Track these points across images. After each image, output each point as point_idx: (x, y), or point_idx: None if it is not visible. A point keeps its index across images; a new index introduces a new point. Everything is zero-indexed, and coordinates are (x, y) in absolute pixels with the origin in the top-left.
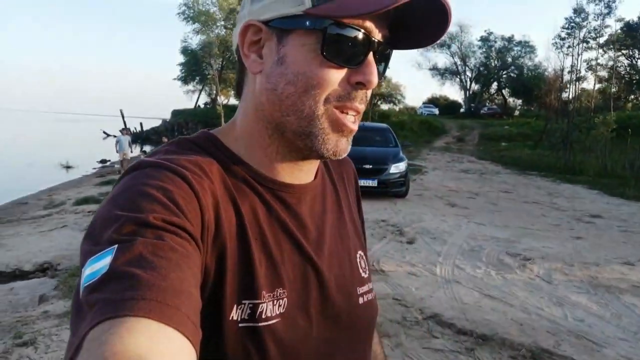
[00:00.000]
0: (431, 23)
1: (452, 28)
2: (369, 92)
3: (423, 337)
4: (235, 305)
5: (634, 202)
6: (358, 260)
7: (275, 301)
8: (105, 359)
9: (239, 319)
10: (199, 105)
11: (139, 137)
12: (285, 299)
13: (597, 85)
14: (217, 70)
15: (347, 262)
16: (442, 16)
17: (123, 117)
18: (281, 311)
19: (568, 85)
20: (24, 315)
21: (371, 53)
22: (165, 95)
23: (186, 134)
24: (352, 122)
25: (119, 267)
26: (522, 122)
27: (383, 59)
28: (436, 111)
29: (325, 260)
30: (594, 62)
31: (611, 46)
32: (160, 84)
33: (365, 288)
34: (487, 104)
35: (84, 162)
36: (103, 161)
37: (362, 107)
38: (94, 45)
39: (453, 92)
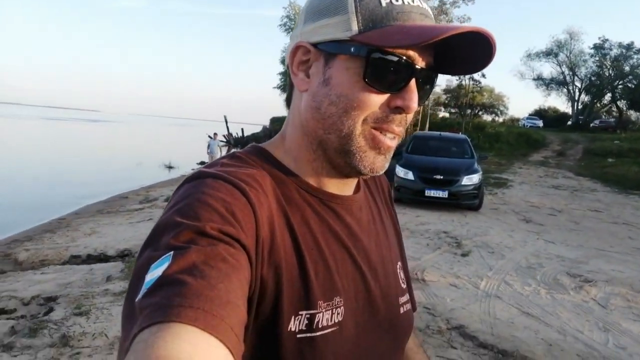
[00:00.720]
0: (476, 52)
1: (561, 35)
2: (409, 116)
3: (441, 346)
4: (293, 317)
5: None
6: (398, 271)
7: (334, 309)
8: None
9: (297, 330)
10: None
11: (239, 142)
12: (343, 307)
13: None
14: None
15: (391, 272)
16: (487, 46)
17: (226, 122)
18: (339, 319)
19: None
20: (89, 290)
21: (413, 79)
22: (266, 102)
23: None
24: (390, 139)
25: (172, 274)
26: (637, 137)
27: (428, 82)
28: (540, 123)
29: (372, 269)
30: None
31: None
32: (263, 92)
33: (404, 298)
34: (602, 116)
35: (185, 163)
36: (201, 162)
37: (399, 130)
38: (213, 57)
39: (560, 103)
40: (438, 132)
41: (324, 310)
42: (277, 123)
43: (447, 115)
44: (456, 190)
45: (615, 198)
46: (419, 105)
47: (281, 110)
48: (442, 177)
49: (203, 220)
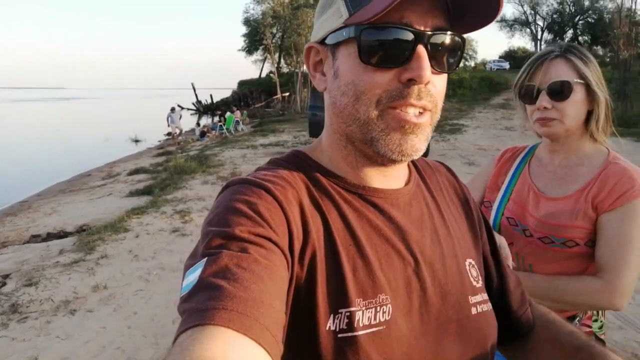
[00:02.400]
0: (481, 5)
1: None
2: (431, 86)
3: None
4: (331, 315)
5: None
6: (468, 268)
7: (378, 307)
8: None
9: (336, 329)
10: (264, 75)
11: (209, 109)
12: (389, 305)
13: None
14: (279, 38)
15: (455, 269)
16: None
17: (194, 90)
18: (386, 318)
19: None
20: (41, 264)
21: (420, 46)
22: (235, 66)
23: (251, 103)
24: (414, 115)
25: (205, 279)
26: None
27: (446, 45)
28: (506, 66)
29: (427, 265)
30: None
31: None
32: (229, 56)
33: (478, 298)
34: None
35: (152, 136)
36: (169, 134)
37: (422, 103)
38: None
39: (523, 43)
40: None
41: (363, 308)
42: (244, 86)
43: None
44: None
45: None
46: (449, 71)
47: (248, 73)
48: None
49: (232, 225)
